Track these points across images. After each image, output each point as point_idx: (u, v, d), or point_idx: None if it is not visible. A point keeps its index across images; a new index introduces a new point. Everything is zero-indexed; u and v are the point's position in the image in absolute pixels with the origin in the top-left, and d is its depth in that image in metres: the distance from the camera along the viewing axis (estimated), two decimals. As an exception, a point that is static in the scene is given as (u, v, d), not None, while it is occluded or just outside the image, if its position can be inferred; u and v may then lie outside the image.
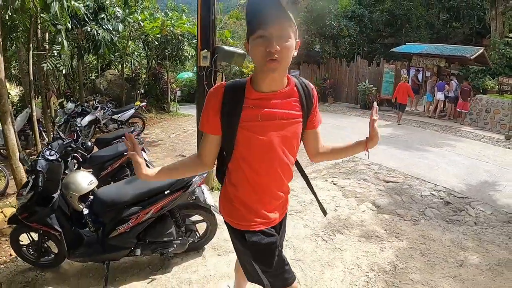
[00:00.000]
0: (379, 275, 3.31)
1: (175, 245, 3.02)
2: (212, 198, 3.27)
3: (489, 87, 15.46)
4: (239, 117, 1.53)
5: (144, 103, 10.14)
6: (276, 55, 1.42)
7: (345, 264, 3.45)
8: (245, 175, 1.64)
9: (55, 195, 2.93)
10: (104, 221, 2.92)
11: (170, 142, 8.32)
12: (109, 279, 2.95)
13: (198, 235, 3.38)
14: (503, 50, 18.67)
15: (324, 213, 2.12)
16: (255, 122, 1.54)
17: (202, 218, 3.31)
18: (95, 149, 4.97)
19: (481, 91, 15.65)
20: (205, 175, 3.10)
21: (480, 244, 4.03)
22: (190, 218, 3.36)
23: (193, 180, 2.92)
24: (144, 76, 13.13)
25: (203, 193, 3.15)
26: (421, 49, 15.65)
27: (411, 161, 7.38)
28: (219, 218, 3.39)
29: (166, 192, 2.87)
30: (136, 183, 2.97)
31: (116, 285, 2.97)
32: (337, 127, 10.98)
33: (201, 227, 3.49)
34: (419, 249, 3.88)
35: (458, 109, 13.81)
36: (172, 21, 10.62)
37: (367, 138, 1.78)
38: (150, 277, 3.08)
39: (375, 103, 1.79)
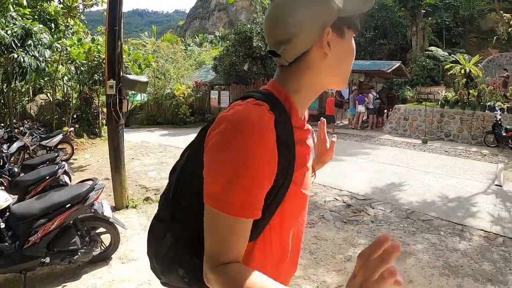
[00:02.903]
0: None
1: (79, 253, 3.40)
2: (110, 211, 3.65)
3: (409, 96, 16.78)
4: (294, 164, 0.91)
5: (72, 129, 10.21)
6: None
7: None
8: (263, 259, 0.96)
9: (-26, 212, 3.24)
10: (19, 234, 3.25)
11: (98, 166, 8.47)
12: None
13: (104, 246, 3.78)
14: (424, 63, 20.36)
15: None
16: (304, 167, 1.00)
17: (106, 230, 3.72)
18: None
19: (401, 100, 17.02)
20: (100, 189, 3.53)
21: (372, 240, 4.52)
22: (96, 231, 3.72)
23: (90, 194, 3.37)
24: (75, 101, 13.10)
25: (102, 206, 3.57)
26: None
27: (322, 170, 7.88)
28: (121, 230, 3.80)
29: (67, 206, 3.28)
30: (44, 198, 3.38)
31: (33, 293, 3.30)
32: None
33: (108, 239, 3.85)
34: (309, 248, 4.23)
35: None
36: (99, 47, 10.73)
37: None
38: (62, 285, 3.46)
39: (322, 118, 1.40)
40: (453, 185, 7.05)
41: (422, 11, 23.57)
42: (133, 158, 9.43)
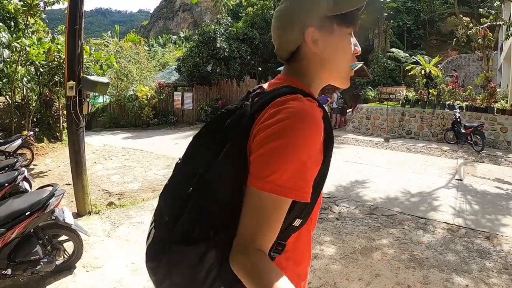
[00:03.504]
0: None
1: (42, 263, 3.22)
2: (72, 217, 3.50)
3: (371, 96, 17.18)
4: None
5: (32, 133, 9.79)
6: None
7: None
8: (306, 243, 1.11)
9: None
10: (-23, 245, 3.07)
11: (59, 171, 8.14)
12: (-13, 303, 3.10)
13: (67, 254, 3.62)
14: (385, 64, 20.92)
15: None
16: None
17: (68, 237, 3.56)
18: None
19: (363, 100, 17.45)
20: (61, 195, 3.38)
21: (338, 237, 4.50)
22: (58, 239, 3.56)
23: (50, 201, 3.21)
24: (35, 103, 12.57)
25: (63, 213, 3.42)
26: (303, 67, 17.02)
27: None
28: (84, 237, 3.66)
29: (27, 213, 3.10)
30: (3, 207, 3.18)
31: (-6, 307, 3.12)
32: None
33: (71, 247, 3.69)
34: (275, 250, 4.29)
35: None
36: (59, 47, 10.31)
37: None
38: (25, 297, 3.25)
39: None
40: (415, 181, 7.27)
41: (385, 14, 24.22)
42: (95, 162, 9.16)
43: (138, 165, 8.85)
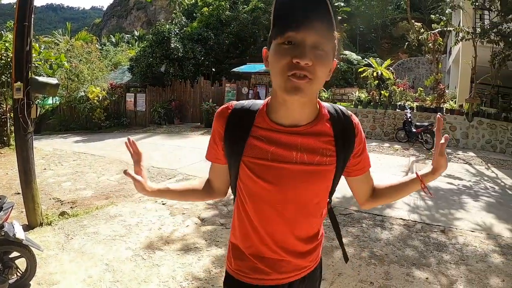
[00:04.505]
0: (192, 283, 3.47)
1: None
2: (23, 232, 3.24)
3: (324, 97, 17.49)
4: (242, 148, 1.17)
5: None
6: (305, 71, 1.00)
7: (160, 278, 3.54)
8: (244, 220, 1.27)
9: None
10: None
11: (7, 179, 7.57)
12: None
13: (20, 272, 3.34)
14: (338, 66, 21.45)
15: (346, 259, 1.57)
16: (261, 160, 1.16)
17: (20, 254, 3.28)
18: None
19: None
20: (10, 208, 3.13)
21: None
22: (9, 256, 3.27)
23: (-2, 216, 2.92)
24: (-21, 106, 11.72)
25: (13, 228, 3.14)
26: (259, 68, 16.98)
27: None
28: (37, 252, 3.40)
29: (-26, 231, 2.81)
30: None
31: None
32: (178, 147, 11.48)
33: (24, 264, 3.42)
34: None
35: None
36: (7, 44, 9.69)
37: (417, 173, 1.35)
38: (-27, 322, 2.97)
39: (439, 114, 1.35)
40: (371, 179, 7.45)
41: (338, 18, 24.85)
42: (45, 169, 8.62)
43: (90, 170, 8.45)
